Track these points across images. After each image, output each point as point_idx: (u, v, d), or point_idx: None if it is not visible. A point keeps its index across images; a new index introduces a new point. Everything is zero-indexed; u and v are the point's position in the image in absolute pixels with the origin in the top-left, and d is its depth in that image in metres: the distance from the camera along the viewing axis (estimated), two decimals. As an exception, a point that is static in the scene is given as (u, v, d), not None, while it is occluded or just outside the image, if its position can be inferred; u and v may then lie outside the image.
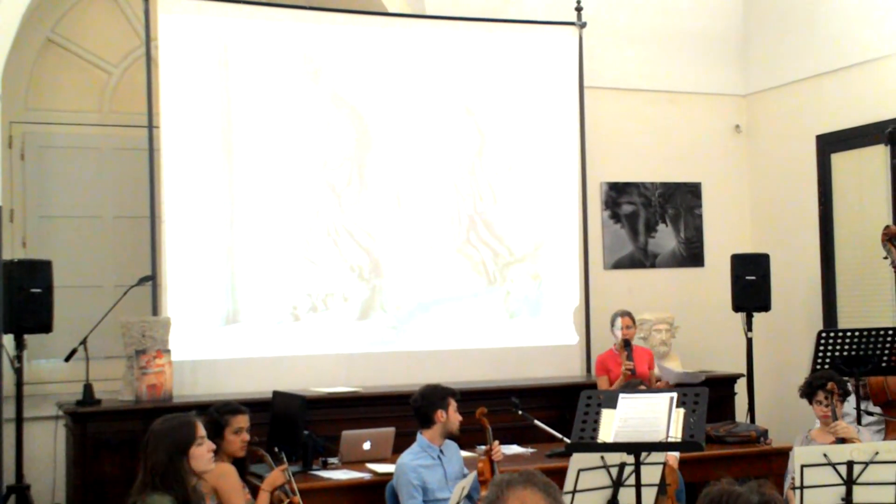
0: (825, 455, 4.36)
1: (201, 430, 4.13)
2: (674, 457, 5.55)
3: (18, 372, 6.32)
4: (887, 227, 6.60)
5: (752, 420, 7.62)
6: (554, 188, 8.08)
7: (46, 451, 6.78)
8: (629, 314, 7.25)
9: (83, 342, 6.47)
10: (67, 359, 6.58)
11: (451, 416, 5.42)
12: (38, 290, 6.31)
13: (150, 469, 3.95)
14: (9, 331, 6.08)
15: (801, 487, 4.35)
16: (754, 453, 6.34)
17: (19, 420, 6.32)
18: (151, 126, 6.96)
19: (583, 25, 8.21)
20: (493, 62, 7.96)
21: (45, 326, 6.38)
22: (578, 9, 8.22)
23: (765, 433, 6.53)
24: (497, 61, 7.97)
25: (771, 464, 6.25)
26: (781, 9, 8.73)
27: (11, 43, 7.00)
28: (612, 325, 7.25)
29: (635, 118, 8.74)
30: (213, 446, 4.19)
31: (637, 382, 6.18)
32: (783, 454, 5.98)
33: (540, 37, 8.12)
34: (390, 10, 8.02)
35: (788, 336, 8.54)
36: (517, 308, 7.92)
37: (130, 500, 3.91)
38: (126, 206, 7.82)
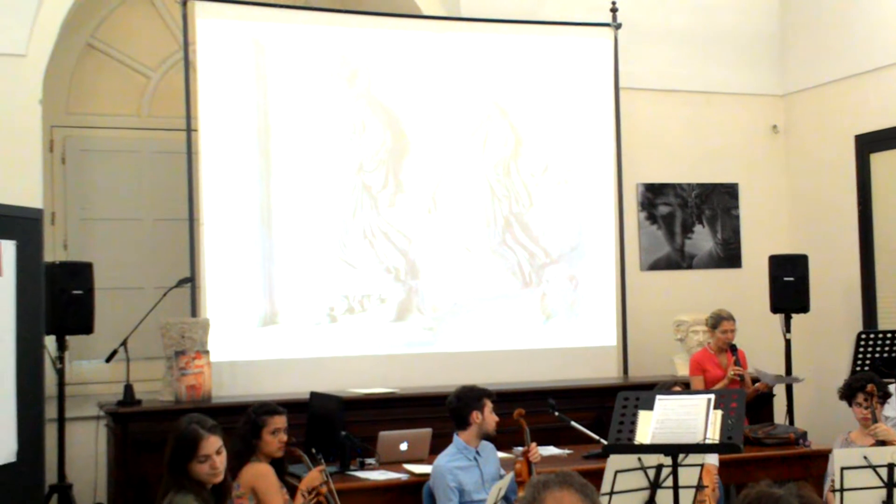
0: (865, 457, 4.35)
1: (206, 448, 3.82)
2: (713, 462, 5.51)
3: (60, 372, 6.42)
4: None
5: (791, 422, 7.55)
6: (590, 189, 8.07)
7: (88, 450, 6.86)
8: (734, 317, 7.10)
9: (124, 343, 6.54)
10: (108, 360, 6.66)
11: (487, 417, 5.40)
12: (80, 292, 6.40)
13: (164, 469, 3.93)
14: (51, 332, 6.14)
15: (842, 490, 4.34)
16: (793, 455, 6.29)
17: (61, 420, 6.42)
18: (190, 129, 7.02)
19: (618, 26, 8.19)
20: (528, 63, 7.95)
21: (86, 328, 6.47)
22: (614, 10, 8.20)
23: (804, 435, 6.48)
24: (532, 62, 7.96)
25: (810, 466, 6.21)
26: (818, 8, 8.65)
27: (52, 48, 7.10)
28: (715, 326, 7.03)
29: (672, 119, 8.69)
30: (218, 462, 3.88)
31: (671, 383, 6.14)
32: (822, 456, 5.94)
33: (575, 38, 8.10)
34: (425, 13, 8.05)
35: (827, 337, 8.46)
36: (553, 309, 7.90)
37: (161, 496, 3.91)
38: (165, 209, 7.91)
